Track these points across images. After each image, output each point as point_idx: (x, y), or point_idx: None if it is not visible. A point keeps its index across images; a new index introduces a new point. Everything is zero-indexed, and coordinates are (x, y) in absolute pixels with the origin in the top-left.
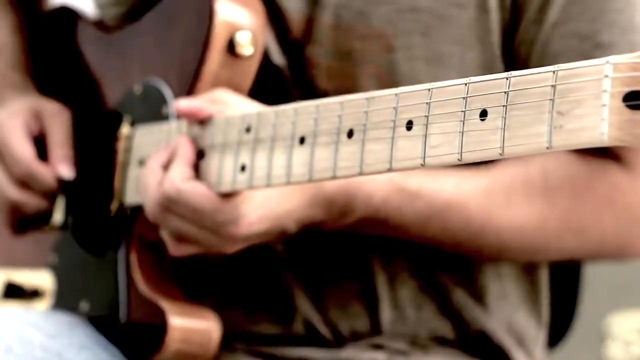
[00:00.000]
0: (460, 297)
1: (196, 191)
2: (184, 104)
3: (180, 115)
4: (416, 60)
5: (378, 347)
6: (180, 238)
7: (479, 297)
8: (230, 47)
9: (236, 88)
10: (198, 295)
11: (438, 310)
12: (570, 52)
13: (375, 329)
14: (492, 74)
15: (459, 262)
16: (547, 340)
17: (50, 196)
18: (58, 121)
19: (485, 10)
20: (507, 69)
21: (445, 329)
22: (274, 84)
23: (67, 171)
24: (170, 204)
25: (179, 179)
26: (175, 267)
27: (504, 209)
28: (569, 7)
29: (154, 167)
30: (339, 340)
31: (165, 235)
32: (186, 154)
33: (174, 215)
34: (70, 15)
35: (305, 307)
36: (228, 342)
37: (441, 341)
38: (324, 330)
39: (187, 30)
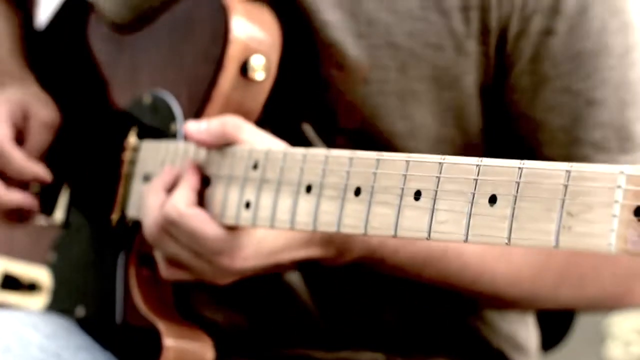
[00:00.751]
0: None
1: (198, 218)
2: (194, 129)
3: (187, 139)
4: (389, 95)
5: (377, 347)
6: (174, 262)
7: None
8: (244, 70)
9: (246, 111)
10: (200, 298)
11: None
12: (561, 107)
13: (377, 333)
14: (465, 113)
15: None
16: (548, 341)
17: (32, 192)
18: (38, 131)
19: (463, 54)
20: (485, 109)
21: (445, 335)
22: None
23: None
24: (170, 227)
25: (183, 203)
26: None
27: (500, 258)
28: (562, 64)
29: (158, 188)
30: (338, 341)
31: (158, 257)
32: (192, 180)
33: (171, 238)
34: (83, 8)
35: (307, 311)
36: (227, 345)
37: (441, 343)
38: (324, 332)
39: (201, 46)
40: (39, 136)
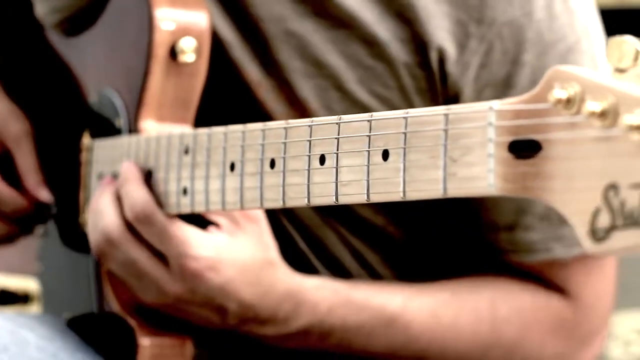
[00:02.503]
0: None
1: (166, 215)
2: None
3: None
4: None
5: None
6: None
7: None
8: (173, 55)
9: (185, 96)
10: None
11: None
12: None
13: None
14: None
15: None
16: None
17: (19, 220)
18: (24, 147)
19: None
20: None
21: None
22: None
23: (45, 196)
24: (141, 226)
25: (153, 201)
26: None
27: (449, 332)
28: None
29: (111, 188)
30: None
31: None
32: (139, 176)
33: (134, 241)
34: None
35: None
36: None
37: None
38: None
39: (131, 38)
40: (20, 151)
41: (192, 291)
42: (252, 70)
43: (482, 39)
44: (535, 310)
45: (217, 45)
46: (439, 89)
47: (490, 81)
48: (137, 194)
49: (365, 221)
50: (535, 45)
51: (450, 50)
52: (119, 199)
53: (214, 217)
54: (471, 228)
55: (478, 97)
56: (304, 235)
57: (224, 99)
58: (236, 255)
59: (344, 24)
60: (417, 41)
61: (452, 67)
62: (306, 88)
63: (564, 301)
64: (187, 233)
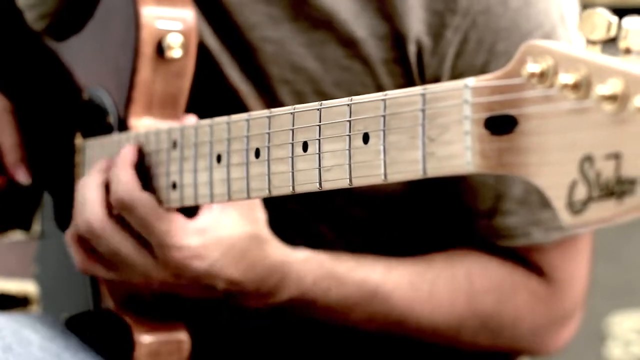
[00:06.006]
0: None
1: (151, 201)
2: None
3: None
4: None
5: None
6: (101, 259)
7: None
8: (160, 51)
9: (174, 93)
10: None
11: None
12: None
13: None
14: None
15: None
16: None
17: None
18: (4, 124)
19: None
20: None
21: None
22: None
23: (23, 177)
24: (124, 213)
25: (135, 186)
26: None
27: (427, 302)
28: None
29: (95, 181)
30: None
31: (76, 250)
32: (130, 157)
33: (117, 228)
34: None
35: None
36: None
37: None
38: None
39: (118, 36)
40: (6, 132)
41: (177, 276)
42: (233, 76)
43: (457, 29)
44: (512, 285)
45: (202, 51)
46: (417, 84)
47: (467, 70)
48: (122, 178)
49: (329, 204)
50: (511, 34)
51: (427, 41)
52: (106, 185)
53: None
54: (451, 214)
55: None
56: None
57: (209, 104)
58: (222, 234)
59: (321, 25)
60: (395, 36)
61: (428, 58)
62: (284, 93)
63: (541, 281)
64: (170, 221)
